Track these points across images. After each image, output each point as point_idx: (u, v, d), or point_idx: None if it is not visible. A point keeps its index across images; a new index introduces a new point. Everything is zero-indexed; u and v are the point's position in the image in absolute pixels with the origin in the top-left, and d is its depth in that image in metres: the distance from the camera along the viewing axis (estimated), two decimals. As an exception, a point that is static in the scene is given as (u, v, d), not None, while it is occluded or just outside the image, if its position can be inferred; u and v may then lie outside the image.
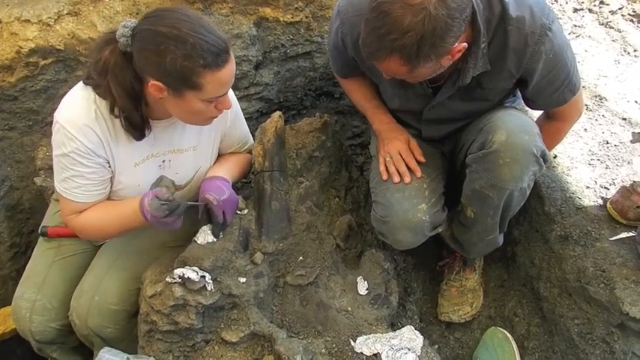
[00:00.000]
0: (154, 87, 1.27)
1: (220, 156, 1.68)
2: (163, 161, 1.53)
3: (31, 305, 1.55)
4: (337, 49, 1.62)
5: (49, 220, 1.69)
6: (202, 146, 1.58)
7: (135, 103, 1.33)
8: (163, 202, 1.34)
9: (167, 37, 1.22)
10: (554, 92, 1.49)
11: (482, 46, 1.36)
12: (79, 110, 1.34)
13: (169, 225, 1.39)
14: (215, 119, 1.44)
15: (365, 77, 1.72)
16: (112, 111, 1.34)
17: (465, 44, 1.29)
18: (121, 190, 1.50)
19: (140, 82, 1.31)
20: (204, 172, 1.61)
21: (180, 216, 1.39)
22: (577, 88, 1.52)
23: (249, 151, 1.71)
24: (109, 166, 1.44)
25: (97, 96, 1.35)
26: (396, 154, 1.62)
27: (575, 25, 2.52)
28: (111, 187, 1.49)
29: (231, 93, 1.47)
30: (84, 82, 1.37)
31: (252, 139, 1.73)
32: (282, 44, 2.14)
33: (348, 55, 1.61)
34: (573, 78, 1.48)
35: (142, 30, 1.25)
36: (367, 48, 1.27)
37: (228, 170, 1.60)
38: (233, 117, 1.61)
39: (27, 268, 1.64)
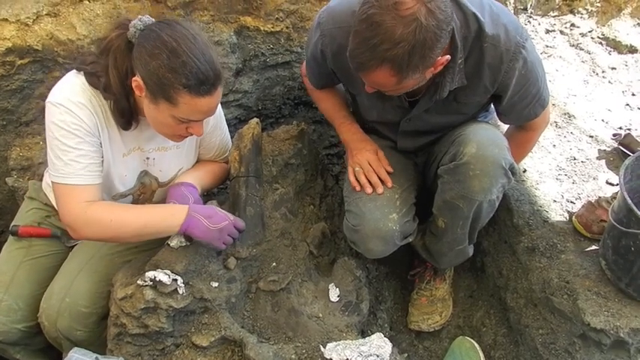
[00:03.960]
0: (136, 83, 1.32)
1: (197, 162, 1.70)
2: (148, 158, 1.56)
3: None
4: (315, 60, 1.64)
5: (20, 219, 1.66)
6: (185, 146, 1.61)
7: (125, 91, 1.37)
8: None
9: (165, 44, 1.27)
10: (526, 107, 1.55)
11: (459, 61, 1.40)
12: (74, 91, 1.36)
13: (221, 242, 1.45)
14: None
15: (336, 89, 1.75)
16: (104, 91, 1.36)
17: (448, 57, 1.32)
18: (106, 180, 1.49)
19: (132, 74, 1.35)
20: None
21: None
22: (546, 103, 1.58)
23: (227, 161, 1.72)
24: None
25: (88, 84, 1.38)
26: (366, 165, 1.64)
27: (547, 46, 2.60)
28: None
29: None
30: (77, 69, 1.40)
31: None
32: (262, 53, 2.16)
33: (326, 67, 1.62)
34: (543, 93, 1.54)
35: (150, 29, 1.31)
36: (357, 59, 1.28)
37: (198, 177, 1.62)
38: (214, 123, 1.63)
39: None
